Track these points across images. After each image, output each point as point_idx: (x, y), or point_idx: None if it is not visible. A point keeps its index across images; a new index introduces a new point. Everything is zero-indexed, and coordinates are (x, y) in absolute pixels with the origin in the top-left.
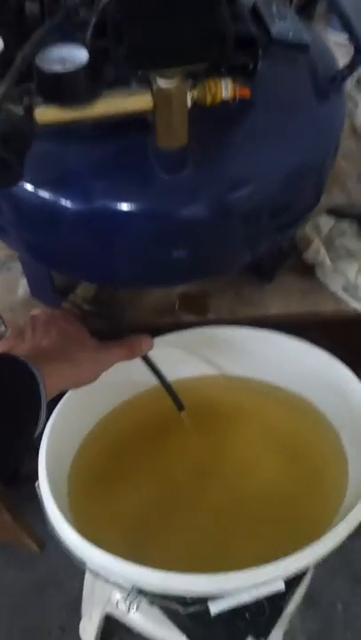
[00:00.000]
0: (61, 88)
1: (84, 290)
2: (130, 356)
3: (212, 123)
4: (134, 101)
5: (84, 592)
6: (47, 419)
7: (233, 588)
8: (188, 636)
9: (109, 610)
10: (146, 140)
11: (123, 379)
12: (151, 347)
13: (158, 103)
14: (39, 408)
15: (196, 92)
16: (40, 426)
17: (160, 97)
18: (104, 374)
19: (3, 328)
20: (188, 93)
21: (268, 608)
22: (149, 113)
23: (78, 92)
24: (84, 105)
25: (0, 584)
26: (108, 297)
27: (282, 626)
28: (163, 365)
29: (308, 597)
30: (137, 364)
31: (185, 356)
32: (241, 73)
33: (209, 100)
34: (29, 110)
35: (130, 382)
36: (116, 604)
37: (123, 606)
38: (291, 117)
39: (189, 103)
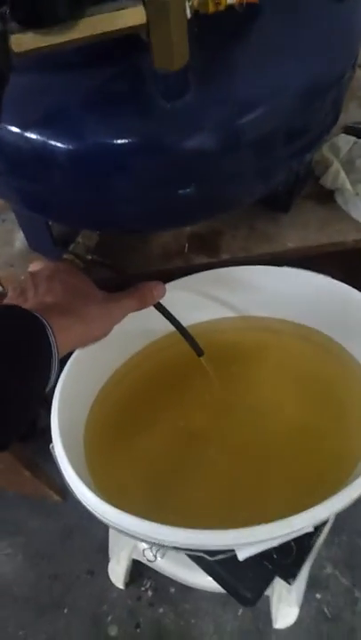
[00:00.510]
0: (38, 8)
1: (85, 238)
2: (142, 306)
3: (215, 36)
4: (124, 17)
5: (110, 536)
6: (58, 376)
7: (260, 540)
8: (215, 578)
9: (136, 556)
10: (141, 64)
11: (135, 328)
12: (164, 293)
13: (153, 17)
14: (50, 362)
15: (196, 0)
16: (52, 381)
17: (155, 9)
18: (121, 324)
19: (0, 288)
20: (187, 1)
21: (296, 548)
22: (143, 30)
23: (58, 12)
24: (66, 27)
25: (26, 534)
26: (113, 244)
27: (309, 560)
28: (176, 311)
29: (332, 526)
30: (149, 312)
31: (199, 299)
32: None
33: (211, 7)
34: (4, 39)
35: (143, 331)
36: (143, 551)
37: (149, 554)
38: (305, 24)
39: (189, 13)
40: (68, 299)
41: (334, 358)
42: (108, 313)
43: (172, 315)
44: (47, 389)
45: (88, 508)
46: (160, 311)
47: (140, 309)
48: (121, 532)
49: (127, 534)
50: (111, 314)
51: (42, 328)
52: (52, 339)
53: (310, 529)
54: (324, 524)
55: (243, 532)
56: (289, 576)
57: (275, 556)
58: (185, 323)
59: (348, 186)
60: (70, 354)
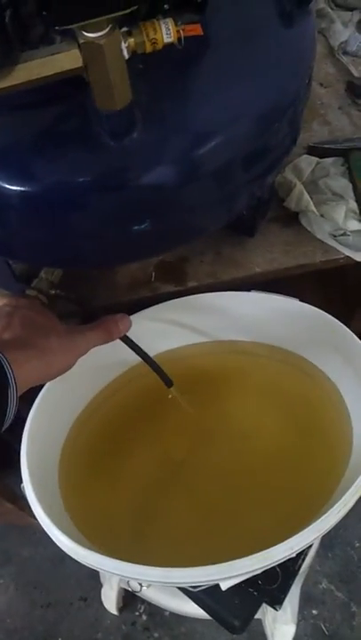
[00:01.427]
0: None
1: (48, 274)
2: (107, 339)
3: (163, 70)
4: (60, 61)
5: None
6: (25, 412)
7: (240, 574)
8: (202, 607)
9: (123, 585)
10: (86, 102)
11: (107, 359)
12: (129, 326)
13: (89, 59)
14: (7, 394)
15: (132, 41)
16: (10, 415)
17: (89, 52)
18: (87, 356)
19: None
20: (123, 43)
21: (281, 573)
22: (82, 72)
23: None
24: (2, 73)
25: (17, 563)
26: (78, 277)
27: (298, 583)
28: (146, 340)
29: (323, 539)
30: (119, 342)
31: (168, 328)
32: (189, 6)
33: (148, 47)
34: None
35: (115, 361)
36: (127, 582)
37: (134, 584)
38: (253, 51)
39: (127, 54)
40: (27, 333)
41: (309, 379)
42: (70, 345)
43: (138, 346)
44: (5, 424)
45: (63, 550)
46: (126, 343)
47: (106, 342)
48: (102, 571)
49: (106, 573)
50: (73, 346)
51: None
52: (8, 371)
53: (293, 555)
54: (308, 546)
55: (221, 567)
56: (275, 602)
57: (260, 583)
58: (155, 351)
59: (313, 207)
60: (38, 391)
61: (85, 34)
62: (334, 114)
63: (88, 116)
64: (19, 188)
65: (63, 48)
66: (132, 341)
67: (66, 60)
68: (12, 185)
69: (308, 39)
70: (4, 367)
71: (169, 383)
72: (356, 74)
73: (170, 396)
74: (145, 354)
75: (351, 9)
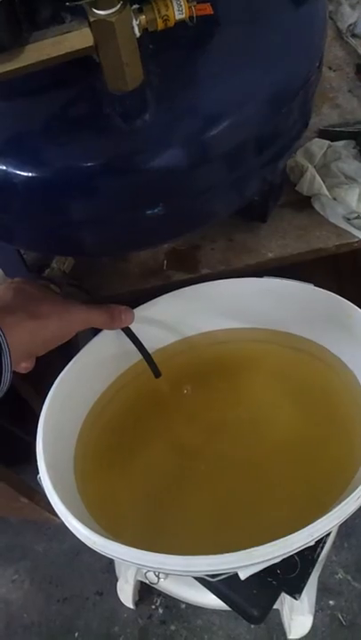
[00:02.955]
0: None
1: (60, 263)
2: (108, 323)
3: (173, 50)
4: (71, 41)
5: None
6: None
7: (259, 562)
8: (220, 597)
9: (140, 578)
10: (97, 85)
11: (120, 349)
12: (132, 319)
13: (100, 38)
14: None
15: (143, 18)
16: (5, 383)
17: (100, 30)
18: (100, 346)
19: None
20: (135, 20)
21: (300, 561)
22: (93, 52)
23: (1, 40)
24: (11, 55)
25: (32, 558)
26: (89, 266)
27: (316, 571)
28: (158, 329)
29: (339, 529)
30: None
31: (181, 317)
32: None
33: (160, 24)
34: None
35: (128, 352)
36: (145, 574)
37: (151, 576)
38: (264, 31)
39: (138, 32)
40: (19, 301)
41: (325, 365)
42: (64, 311)
43: (137, 338)
44: (3, 388)
45: (81, 539)
46: (127, 334)
47: (106, 327)
48: (120, 560)
49: (125, 562)
50: (68, 313)
51: None
52: (0, 336)
53: (312, 543)
54: (327, 534)
55: (241, 555)
56: (295, 591)
57: (278, 572)
58: (166, 342)
59: (325, 191)
60: (52, 383)
61: (96, 11)
62: (344, 97)
63: (99, 98)
64: (30, 174)
65: (74, 27)
66: (131, 331)
67: (76, 39)
68: (23, 171)
69: (319, 20)
70: None
71: (157, 374)
72: None
73: (185, 391)
74: (142, 346)
75: None
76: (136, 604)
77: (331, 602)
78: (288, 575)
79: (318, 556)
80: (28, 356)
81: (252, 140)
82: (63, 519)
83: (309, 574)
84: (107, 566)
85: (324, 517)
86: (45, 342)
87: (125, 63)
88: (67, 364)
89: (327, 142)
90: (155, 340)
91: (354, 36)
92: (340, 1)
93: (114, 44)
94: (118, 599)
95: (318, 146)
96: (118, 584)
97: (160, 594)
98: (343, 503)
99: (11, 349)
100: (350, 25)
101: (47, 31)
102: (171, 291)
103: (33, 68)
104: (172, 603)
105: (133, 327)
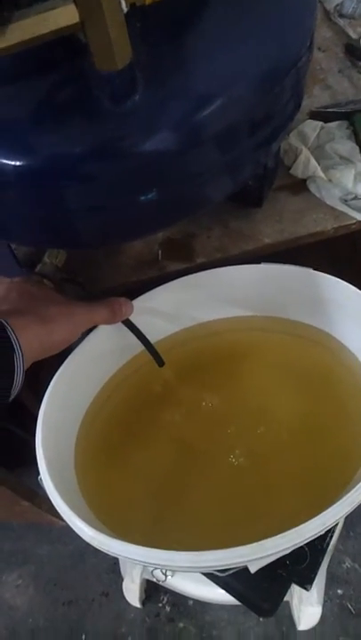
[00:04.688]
0: None
1: (52, 257)
2: (110, 319)
3: (161, 29)
4: (56, 18)
5: None
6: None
7: (271, 553)
8: (229, 592)
9: (146, 576)
10: (84, 67)
11: (117, 344)
12: (132, 311)
13: (86, 14)
14: (12, 363)
15: None
16: (17, 385)
17: (86, 5)
18: (97, 341)
19: None
20: None
21: (309, 552)
22: (79, 30)
23: None
24: None
25: (35, 562)
26: (83, 259)
27: (325, 561)
28: (156, 322)
29: (345, 518)
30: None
31: (179, 307)
32: None
33: None
34: None
35: (126, 346)
36: (152, 572)
37: (158, 574)
38: (254, 9)
39: (125, 7)
40: (26, 303)
41: (326, 350)
42: (70, 313)
43: (138, 329)
44: (12, 392)
45: (86, 540)
46: (127, 326)
47: (108, 323)
48: (126, 559)
49: (131, 561)
50: (74, 316)
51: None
52: (12, 335)
53: (323, 532)
54: (336, 523)
55: (252, 547)
56: (305, 582)
57: (288, 563)
58: (166, 333)
59: (320, 173)
60: (49, 382)
61: None
62: (335, 77)
63: (87, 81)
64: (18, 163)
65: (58, 3)
66: (131, 323)
67: (62, 16)
68: (10, 160)
69: None
70: (7, 331)
71: (161, 363)
72: (353, 36)
73: (185, 384)
74: (144, 336)
75: None
76: (143, 603)
77: (339, 591)
78: (298, 566)
79: (328, 545)
80: (35, 359)
81: (245, 121)
82: (67, 520)
83: (320, 564)
84: (111, 567)
85: (337, 504)
86: (53, 347)
87: (113, 41)
88: (62, 362)
89: (320, 123)
90: (154, 331)
91: (341, 16)
92: None
93: (101, 19)
94: (125, 599)
95: (311, 127)
96: (124, 584)
97: (167, 591)
98: (355, 489)
99: (23, 351)
100: (337, 5)
101: (31, 9)
102: (166, 281)
103: (17, 47)
104: (179, 600)
105: (132, 319)
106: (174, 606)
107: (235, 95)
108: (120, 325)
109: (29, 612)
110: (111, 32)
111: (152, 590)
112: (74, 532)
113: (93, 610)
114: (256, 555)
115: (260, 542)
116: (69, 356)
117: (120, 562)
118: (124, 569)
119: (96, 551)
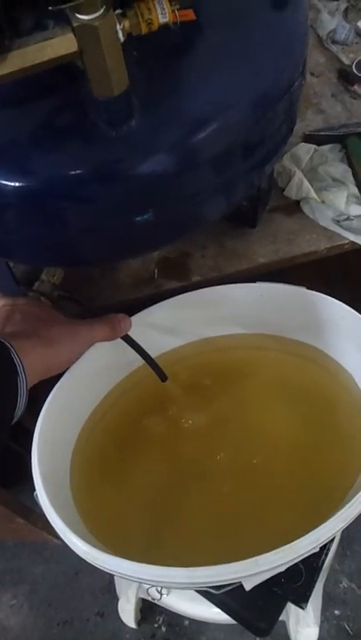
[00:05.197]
0: None
1: (50, 275)
2: (111, 335)
3: (157, 56)
4: (54, 47)
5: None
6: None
7: (265, 570)
8: (225, 611)
9: (142, 595)
10: (82, 92)
11: (113, 360)
12: (130, 326)
13: (84, 44)
14: (16, 386)
15: (127, 22)
16: (20, 407)
17: (84, 35)
18: (93, 358)
19: None
20: (118, 25)
21: (305, 569)
22: (77, 58)
23: None
24: None
25: (30, 581)
26: (80, 277)
27: (321, 580)
28: (151, 339)
29: (341, 537)
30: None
31: (174, 325)
32: None
33: (144, 29)
34: None
35: (122, 363)
36: (147, 590)
37: (153, 592)
38: (247, 36)
39: (122, 37)
40: (30, 325)
41: (322, 369)
42: (74, 335)
43: (138, 344)
44: (16, 414)
45: (81, 555)
46: (125, 340)
47: (109, 340)
48: (120, 576)
49: (127, 578)
50: (78, 336)
51: (2, 349)
52: (15, 357)
53: (317, 549)
54: (331, 540)
55: (246, 563)
56: (301, 600)
57: (283, 581)
58: (162, 349)
59: (314, 194)
60: (44, 400)
61: (79, 16)
62: (328, 102)
63: (84, 106)
64: (17, 184)
65: (57, 33)
66: (131, 339)
67: (60, 44)
68: (9, 181)
69: (300, 24)
70: (11, 354)
71: (164, 378)
72: (346, 61)
73: (182, 400)
74: (144, 352)
75: None
76: (138, 623)
77: (336, 611)
78: (294, 584)
79: (323, 563)
80: (39, 379)
81: (239, 144)
82: (61, 535)
83: (315, 582)
84: (107, 586)
85: (331, 520)
86: (57, 367)
87: (110, 68)
88: (59, 377)
89: (313, 146)
90: (151, 348)
91: (334, 42)
92: (320, 9)
93: (98, 48)
94: (120, 619)
95: (305, 150)
96: (119, 604)
97: (163, 612)
98: (349, 505)
99: (26, 374)
100: (330, 32)
101: (30, 37)
102: (162, 299)
103: (17, 75)
104: (174, 620)
105: (132, 336)
106: (170, 627)
107: (229, 120)
108: (117, 342)
109: (23, 632)
110: (108, 61)
111: (148, 610)
112: (69, 550)
113: (88, 630)
114: (250, 571)
115: (253, 558)
116: (66, 373)
117: (115, 581)
118: (120, 588)
119: (91, 570)
